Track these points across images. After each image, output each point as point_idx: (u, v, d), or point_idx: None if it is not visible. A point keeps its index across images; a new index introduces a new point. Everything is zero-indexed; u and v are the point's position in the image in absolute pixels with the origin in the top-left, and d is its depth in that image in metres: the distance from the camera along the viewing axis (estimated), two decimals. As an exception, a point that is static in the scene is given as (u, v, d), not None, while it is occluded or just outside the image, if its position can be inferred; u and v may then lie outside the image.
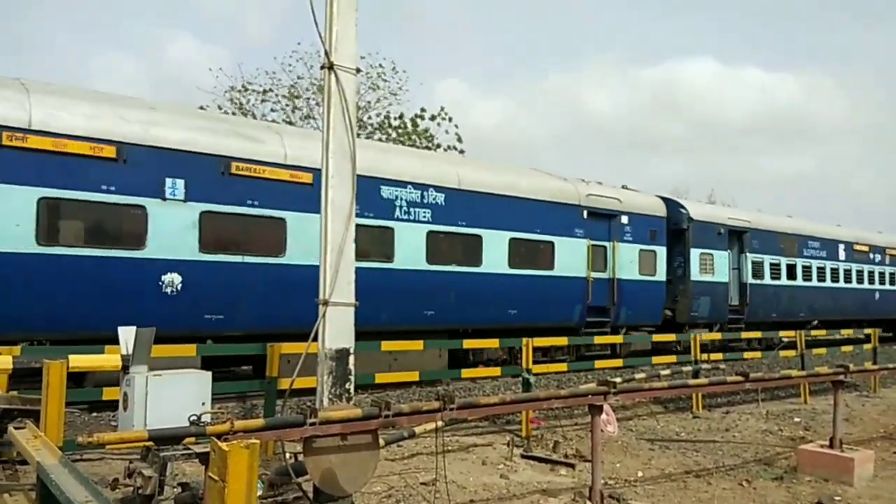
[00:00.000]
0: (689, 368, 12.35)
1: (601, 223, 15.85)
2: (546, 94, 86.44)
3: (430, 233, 12.74)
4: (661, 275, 17.31)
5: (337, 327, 5.57)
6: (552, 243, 14.71)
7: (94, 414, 9.25)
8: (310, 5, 5.55)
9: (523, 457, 8.32)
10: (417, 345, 10.44)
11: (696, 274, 18.26)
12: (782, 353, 16.04)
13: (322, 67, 5.80)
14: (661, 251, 17.35)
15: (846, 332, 20.19)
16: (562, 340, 13.22)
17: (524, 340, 9.89)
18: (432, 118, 29.66)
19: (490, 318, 13.60)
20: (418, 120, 29.46)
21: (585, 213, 15.46)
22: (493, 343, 11.70)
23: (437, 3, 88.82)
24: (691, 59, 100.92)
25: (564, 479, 7.52)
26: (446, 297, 12.91)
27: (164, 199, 9.95)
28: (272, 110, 27.64)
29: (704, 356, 13.10)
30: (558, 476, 7.66)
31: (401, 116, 29.26)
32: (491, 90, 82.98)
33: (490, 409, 6.11)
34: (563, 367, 11.87)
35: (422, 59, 75.83)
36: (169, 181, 10.02)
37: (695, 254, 18.30)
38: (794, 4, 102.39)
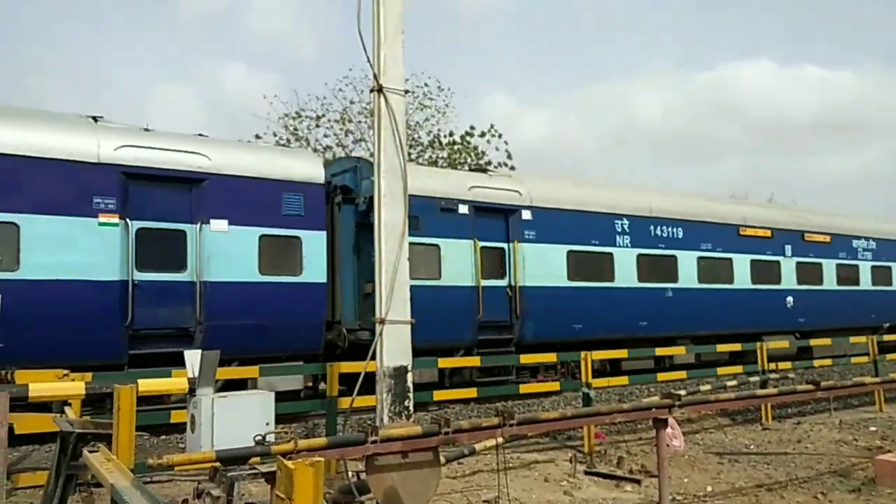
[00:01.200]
0: (756, 378, 11.97)
1: None
2: (594, 102, 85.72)
3: (872, 267, 20.77)
4: None
5: (394, 345, 5.62)
6: None
7: (163, 437, 9.52)
8: (358, 32, 5.70)
9: (587, 473, 8.17)
10: (473, 360, 10.99)
11: None
12: (854, 359, 15.46)
13: (371, 91, 5.92)
14: None
15: None
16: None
17: (582, 354, 9.84)
18: (482, 135, 29.69)
19: None
20: (468, 138, 29.52)
21: None
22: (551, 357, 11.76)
23: (481, 13, 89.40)
24: (746, 60, 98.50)
25: (630, 496, 7.36)
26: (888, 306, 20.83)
27: (786, 256, 18.21)
28: (325, 135, 28.10)
29: (772, 365, 12.74)
30: (624, 493, 7.50)
31: (451, 134, 29.37)
32: (537, 101, 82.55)
33: (551, 424, 6.04)
34: (624, 380, 11.74)
35: (466, 71, 76.02)
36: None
37: None
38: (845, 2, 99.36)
